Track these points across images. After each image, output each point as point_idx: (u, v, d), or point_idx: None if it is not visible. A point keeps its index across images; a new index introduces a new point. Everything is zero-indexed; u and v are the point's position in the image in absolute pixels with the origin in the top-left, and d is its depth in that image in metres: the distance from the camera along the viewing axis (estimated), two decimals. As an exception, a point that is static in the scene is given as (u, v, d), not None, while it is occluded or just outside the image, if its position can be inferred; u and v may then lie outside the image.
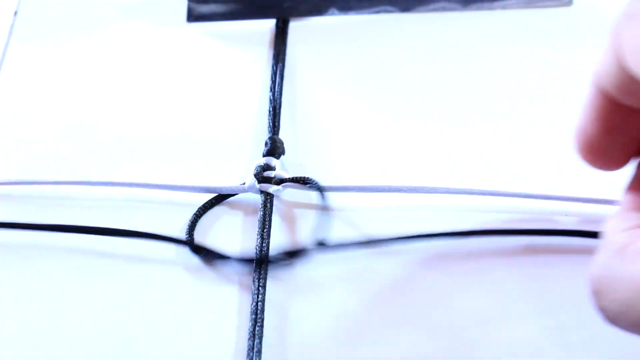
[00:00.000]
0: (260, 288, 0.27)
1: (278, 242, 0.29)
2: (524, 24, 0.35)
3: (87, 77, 0.35)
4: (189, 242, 0.29)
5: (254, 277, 0.27)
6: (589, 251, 0.22)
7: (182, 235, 0.29)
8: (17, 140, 0.33)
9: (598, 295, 0.19)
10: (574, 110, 0.32)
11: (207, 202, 0.30)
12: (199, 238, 0.29)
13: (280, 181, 0.30)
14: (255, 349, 0.25)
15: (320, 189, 0.29)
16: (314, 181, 0.29)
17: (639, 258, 0.18)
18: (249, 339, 0.26)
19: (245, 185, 0.30)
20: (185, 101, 0.34)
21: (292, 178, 0.30)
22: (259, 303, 0.27)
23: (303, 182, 0.30)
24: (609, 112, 0.20)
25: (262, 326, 0.26)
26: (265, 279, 0.27)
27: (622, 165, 0.22)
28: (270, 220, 0.29)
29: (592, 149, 0.21)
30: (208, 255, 0.28)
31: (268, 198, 0.30)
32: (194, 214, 0.29)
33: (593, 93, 0.20)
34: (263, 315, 0.26)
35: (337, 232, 0.28)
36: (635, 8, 0.18)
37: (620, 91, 0.19)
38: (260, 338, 0.26)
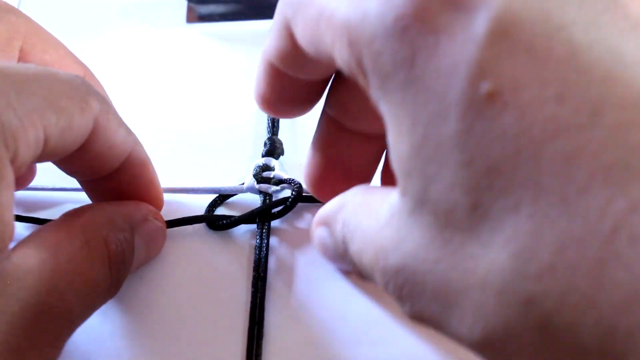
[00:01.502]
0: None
1: (277, 242, 0.29)
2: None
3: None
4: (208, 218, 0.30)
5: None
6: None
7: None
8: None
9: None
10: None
11: (214, 200, 0.30)
12: (198, 239, 0.29)
13: (279, 182, 0.30)
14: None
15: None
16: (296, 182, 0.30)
17: None
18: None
19: (245, 185, 0.30)
20: (184, 101, 0.34)
21: (288, 180, 0.30)
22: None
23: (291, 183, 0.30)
24: (275, 78, 0.23)
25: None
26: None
27: (291, 114, 0.26)
28: (269, 221, 0.29)
29: (267, 104, 0.25)
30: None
31: (267, 198, 0.30)
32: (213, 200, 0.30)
33: (264, 64, 0.23)
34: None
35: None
36: None
37: (287, 64, 0.22)
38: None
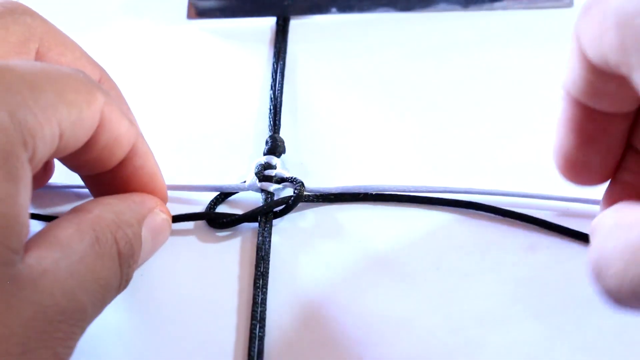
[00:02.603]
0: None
1: (279, 240, 0.29)
2: (524, 24, 0.35)
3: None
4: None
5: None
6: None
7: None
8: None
9: (598, 277, 0.19)
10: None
11: (216, 197, 0.30)
12: (200, 239, 0.29)
13: (280, 180, 0.30)
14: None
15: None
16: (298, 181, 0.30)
17: (630, 228, 0.19)
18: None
19: (246, 183, 0.30)
20: (185, 98, 0.34)
21: (290, 178, 0.30)
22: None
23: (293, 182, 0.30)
24: (582, 121, 0.21)
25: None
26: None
27: (604, 180, 0.22)
28: (271, 220, 0.29)
29: (573, 165, 0.22)
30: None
31: (269, 196, 0.30)
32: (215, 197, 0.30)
33: (565, 104, 0.21)
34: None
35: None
36: (589, 2, 0.19)
37: (589, 94, 0.20)
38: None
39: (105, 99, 0.23)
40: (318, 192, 0.30)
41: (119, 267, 0.23)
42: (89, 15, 0.37)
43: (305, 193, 0.30)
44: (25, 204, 0.19)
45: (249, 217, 0.29)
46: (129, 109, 0.29)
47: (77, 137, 0.22)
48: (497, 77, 0.34)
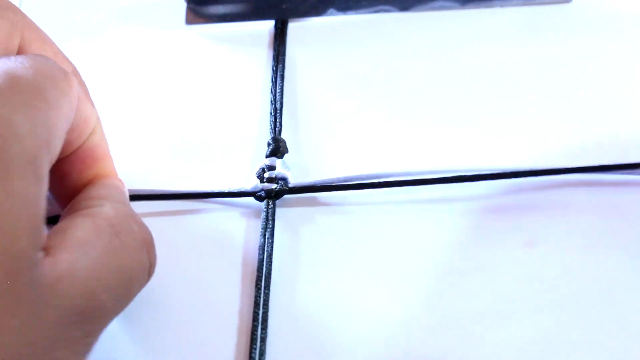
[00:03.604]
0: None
1: (281, 241, 0.29)
2: (522, 21, 0.35)
3: (86, 81, 0.35)
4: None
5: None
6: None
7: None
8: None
9: None
10: (572, 107, 0.32)
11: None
12: (201, 238, 0.29)
13: (281, 181, 0.30)
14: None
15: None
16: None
17: None
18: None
19: (249, 186, 0.30)
20: (184, 103, 0.34)
21: (292, 189, 0.30)
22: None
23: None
24: None
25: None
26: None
27: None
28: (273, 221, 0.29)
29: None
30: None
31: (270, 201, 0.30)
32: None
33: None
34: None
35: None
36: None
37: None
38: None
39: (78, 79, 0.23)
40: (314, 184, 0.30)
41: (146, 254, 0.23)
42: (88, 20, 0.37)
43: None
44: (44, 207, 0.20)
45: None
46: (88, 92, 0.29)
47: (66, 130, 0.22)
48: (495, 74, 0.33)
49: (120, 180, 0.27)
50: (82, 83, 0.27)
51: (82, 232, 0.21)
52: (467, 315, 0.27)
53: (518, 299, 0.27)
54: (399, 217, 0.29)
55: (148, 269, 0.23)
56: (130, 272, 0.22)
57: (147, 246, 0.23)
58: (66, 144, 0.24)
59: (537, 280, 0.27)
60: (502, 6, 0.36)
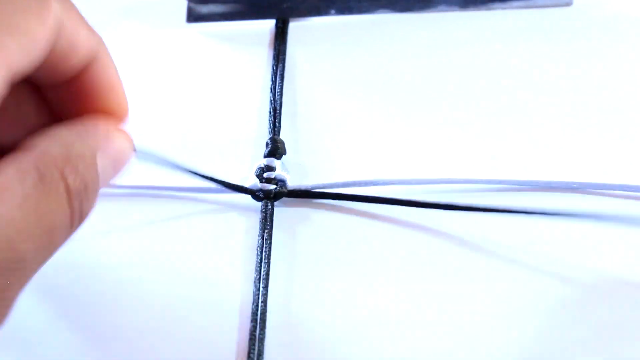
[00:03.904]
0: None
1: (279, 241, 0.29)
2: (524, 24, 0.35)
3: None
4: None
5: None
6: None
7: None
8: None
9: None
10: (572, 109, 0.32)
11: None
12: (200, 239, 0.29)
13: (280, 182, 0.30)
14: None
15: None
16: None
17: None
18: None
19: (247, 186, 0.30)
20: (185, 102, 0.34)
21: (291, 192, 0.30)
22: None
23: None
24: None
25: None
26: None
27: None
28: (271, 221, 0.29)
29: None
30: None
31: (268, 202, 0.30)
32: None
33: None
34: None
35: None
36: None
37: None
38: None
39: (61, 6, 0.21)
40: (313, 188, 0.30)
41: (68, 205, 0.21)
42: (89, 18, 0.37)
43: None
44: None
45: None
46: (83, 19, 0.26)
47: (31, 65, 0.20)
48: (496, 76, 0.33)
49: (121, 129, 0.24)
50: (70, 5, 0.24)
51: (4, 177, 0.20)
52: (467, 315, 0.27)
53: (518, 299, 0.27)
54: (396, 218, 0.29)
55: (70, 222, 0.21)
56: (52, 221, 0.20)
57: (72, 196, 0.21)
58: (51, 70, 0.22)
59: (537, 280, 0.27)
60: (503, 8, 0.36)
